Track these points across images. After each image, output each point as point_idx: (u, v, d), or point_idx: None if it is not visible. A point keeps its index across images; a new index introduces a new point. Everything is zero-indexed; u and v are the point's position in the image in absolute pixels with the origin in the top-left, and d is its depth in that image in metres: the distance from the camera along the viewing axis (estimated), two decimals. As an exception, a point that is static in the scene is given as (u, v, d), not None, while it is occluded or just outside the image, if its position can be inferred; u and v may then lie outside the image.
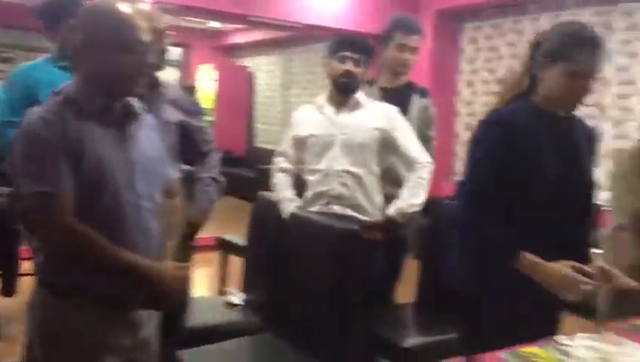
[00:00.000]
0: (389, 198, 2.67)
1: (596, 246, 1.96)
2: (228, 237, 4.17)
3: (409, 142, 2.64)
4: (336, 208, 2.55)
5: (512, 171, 1.76)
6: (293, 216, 2.52)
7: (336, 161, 2.57)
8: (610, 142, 4.79)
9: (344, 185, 2.55)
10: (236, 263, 3.43)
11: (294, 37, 8.98)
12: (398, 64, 2.94)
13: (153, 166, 1.66)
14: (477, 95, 6.47)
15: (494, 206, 1.77)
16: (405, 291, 3.00)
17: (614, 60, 5.17)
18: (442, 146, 4.61)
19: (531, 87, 1.85)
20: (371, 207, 2.59)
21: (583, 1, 5.41)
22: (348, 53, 2.57)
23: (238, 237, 3.84)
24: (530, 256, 1.71)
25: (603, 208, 2.19)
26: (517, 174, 1.76)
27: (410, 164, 2.63)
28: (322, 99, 2.70)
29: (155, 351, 1.72)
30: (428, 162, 2.65)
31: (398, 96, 2.91)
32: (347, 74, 2.57)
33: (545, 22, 5.53)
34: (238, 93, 10.35)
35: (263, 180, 6.98)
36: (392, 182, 2.78)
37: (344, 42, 2.62)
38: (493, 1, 6.00)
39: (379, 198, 2.63)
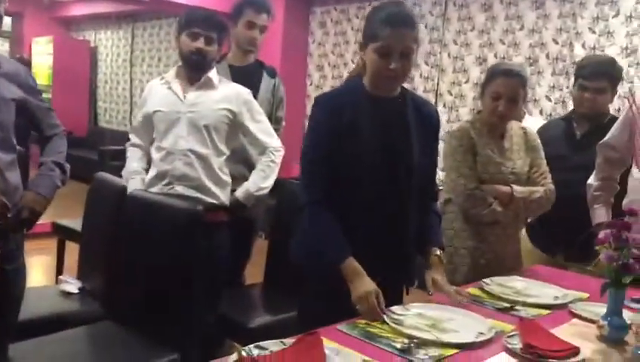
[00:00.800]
0: (239, 179, 2.63)
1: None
2: (64, 222, 3.89)
3: (260, 126, 2.60)
4: (180, 188, 2.45)
5: (334, 146, 1.77)
6: (132, 197, 2.40)
7: (181, 139, 2.47)
8: (445, 126, 5.16)
9: (189, 164, 2.46)
10: (75, 250, 3.23)
11: (141, 11, 8.56)
12: (246, 42, 2.91)
13: None
14: (326, 79, 6.63)
15: (318, 179, 1.80)
16: (255, 271, 3.01)
17: (449, 49, 5.56)
18: (293, 128, 4.67)
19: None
20: (217, 188, 2.51)
21: (422, -8, 5.73)
22: (199, 30, 2.46)
23: (76, 223, 3.60)
24: (352, 264, 1.70)
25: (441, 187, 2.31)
26: (339, 149, 1.77)
27: (261, 147, 2.60)
28: (171, 75, 2.58)
29: None
30: (279, 147, 2.64)
31: (248, 75, 2.88)
32: (198, 51, 2.46)
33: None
34: (78, 70, 9.77)
35: (105, 162, 6.60)
36: (242, 162, 2.75)
37: (196, 18, 2.50)
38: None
39: (226, 179, 2.56)
